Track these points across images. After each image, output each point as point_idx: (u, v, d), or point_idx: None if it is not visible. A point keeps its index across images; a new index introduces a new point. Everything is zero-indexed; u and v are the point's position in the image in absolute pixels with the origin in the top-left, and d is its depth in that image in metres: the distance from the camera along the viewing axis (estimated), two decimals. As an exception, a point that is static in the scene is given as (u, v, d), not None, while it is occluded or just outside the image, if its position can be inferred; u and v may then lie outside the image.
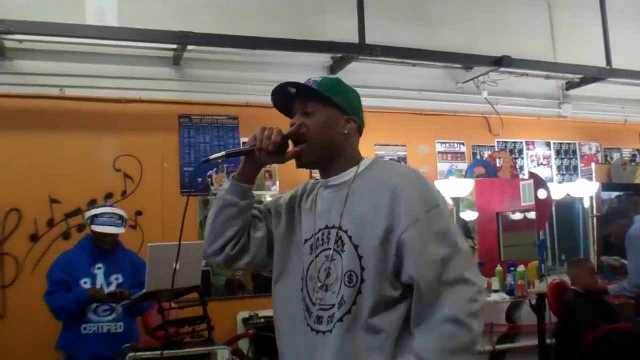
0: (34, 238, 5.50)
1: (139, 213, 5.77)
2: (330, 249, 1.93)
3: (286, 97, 2.03)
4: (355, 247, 1.86)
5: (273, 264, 2.08)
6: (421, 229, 1.81)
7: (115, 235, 4.51)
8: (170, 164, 5.97)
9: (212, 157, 2.02)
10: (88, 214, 4.51)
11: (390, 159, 6.69)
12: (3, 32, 5.17)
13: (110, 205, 4.78)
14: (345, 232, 1.90)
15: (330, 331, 1.85)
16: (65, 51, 5.66)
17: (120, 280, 4.42)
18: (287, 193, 2.20)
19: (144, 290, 4.16)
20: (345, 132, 1.98)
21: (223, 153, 2.01)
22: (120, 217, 4.53)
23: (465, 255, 1.85)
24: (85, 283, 4.32)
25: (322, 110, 1.97)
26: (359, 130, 2.05)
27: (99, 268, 4.40)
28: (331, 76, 1.89)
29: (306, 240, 2.01)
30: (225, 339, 5.08)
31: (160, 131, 5.98)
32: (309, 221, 2.03)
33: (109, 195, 5.68)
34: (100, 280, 4.37)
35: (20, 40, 5.46)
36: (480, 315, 1.78)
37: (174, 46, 5.79)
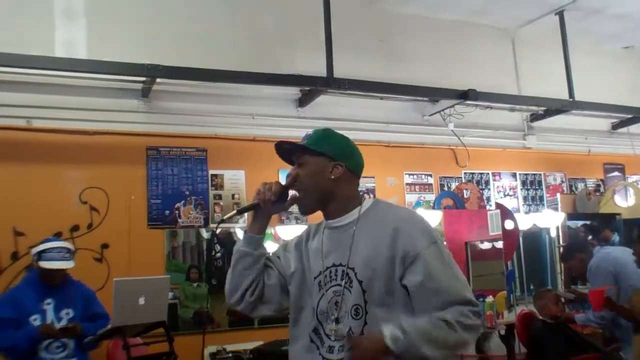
0: (-3, 271, 5.41)
1: (105, 246, 5.71)
2: (339, 285, 2.14)
3: (286, 150, 2.28)
4: (360, 282, 2.08)
5: (290, 306, 2.30)
6: (430, 254, 2.04)
7: (64, 270, 4.36)
8: (137, 197, 5.93)
9: (226, 217, 2.32)
10: (35, 250, 4.31)
11: (361, 192, 6.72)
12: (-29, 63, 5.14)
13: (56, 239, 4.63)
14: (352, 269, 2.11)
15: None
16: (34, 83, 5.62)
17: (72, 314, 4.28)
18: (292, 239, 2.41)
19: (109, 326, 4.10)
20: (332, 177, 2.18)
21: (235, 212, 2.33)
22: (69, 250, 4.37)
23: (464, 282, 2.09)
24: (35, 320, 4.17)
25: (311, 160, 2.20)
26: (351, 173, 2.24)
27: (49, 303, 4.24)
28: (322, 128, 2.10)
29: (315, 278, 2.22)
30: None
31: (128, 163, 5.94)
32: (317, 260, 2.23)
33: (75, 228, 5.62)
34: (50, 316, 4.23)
35: (-14, 72, 5.42)
36: (473, 331, 2.02)
37: (143, 79, 5.79)
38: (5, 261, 5.43)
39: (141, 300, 4.14)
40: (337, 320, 2.10)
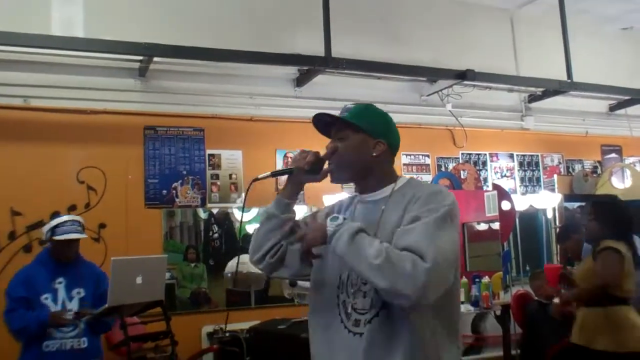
0: (-5, 249, 5.43)
1: (102, 226, 5.72)
2: None
3: (325, 122, 2.27)
4: None
5: (311, 275, 2.31)
6: (431, 211, 2.00)
7: (77, 243, 4.36)
8: (135, 176, 5.93)
9: (260, 176, 2.31)
10: (47, 227, 4.31)
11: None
12: (-35, 42, 5.11)
13: (68, 215, 4.66)
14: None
15: (361, 334, 2.05)
16: (31, 61, 5.60)
17: (83, 294, 4.30)
18: (324, 208, 2.48)
19: (106, 305, 4.11)
20: (374, 154, 2.19)
21: (269, 173, 2.32)
22: (80, 223, 4.38)
23: (441, 249, 1.93)
24: (47, 299, 4.17)
25: (353, 136, 2.20)
26: (390, 151, 2.24)
27: (60, 282, 4.25)
28: (363, 103, 2.13)
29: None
30: (190, 354, 5.06)
31: (125, 143, 5.94)
32: None
33: (72, 207, 5.62)
34: (62, 295, 4.24)
35: (-17, 51, 5.40)
36: (406, 277, 1.85)
37: (140, 58, 5.77)
38: (3, 241, 5.45)
39: (138, 280, 4.13)
40: (364, 295, 2.08)
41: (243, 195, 6.28)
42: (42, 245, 5.19)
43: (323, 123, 2.28)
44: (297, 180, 2.31)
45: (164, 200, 6.01)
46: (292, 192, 2.34)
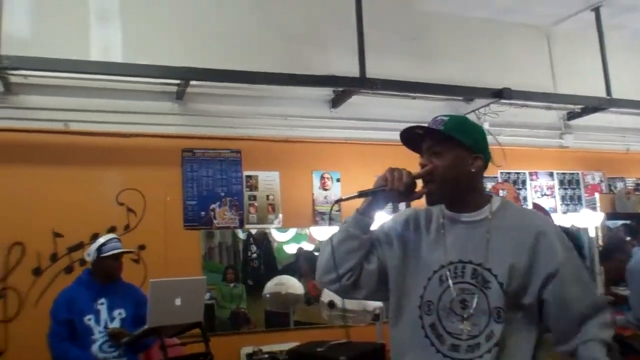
0: (37, 272, 5.50)
1: (142, 247, 5.77)
2: (466, 282, 2.03)
3: (414, 135, 2.14)
4: (500, 284, 1.98)
5: (390, 294, 2.18)
6: (570, 267, 2.01)
7: (121, 260, 4.49)
8: (173, 198, 5.99)
9: (344, 197, 2.17)
10: (92, 247, 4.43)
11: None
12: (9, 68, 5.24)
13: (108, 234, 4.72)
14: (489, 270, 2.00)
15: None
16: (70, 86, 5.71)
17: (124, 314, 4.37)
18: (391, 219, 2.28)
19: (145, 327, 4.15)
20: (473, 170, 2.07)
21: (355, 193, 2.13)
22: (119, 239, 4.55)
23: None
24: (90, 319, 4.26)
25: (450, 151, 2.06)
26: (484, 166, 2.12)
27: (102, 303, 4.34)
28: (459, 115, 2.00)
29: (435, 271, 2.08)
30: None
31: (164, 165, 6.01)
32: (437, 252, 2.10)
33: (111, 229, 5.66)
34: (104, 315, 4.32)
35: (25, 76, 5.52)
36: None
37: (178, 81, 5.84)
38: (45, 262, 5.53)
39: (177, 301, 4.17)
40: (463, 319, 2.00)
41: (280, 216, 6.29)
42: (83, 267, 5.28)
43: (411, 137, 2.15)
44: (385, 200, 2.15)
45: (202, 221, 6.04)
46: (375, 212, 2.18)
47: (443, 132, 2.06)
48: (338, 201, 2.22)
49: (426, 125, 2.11)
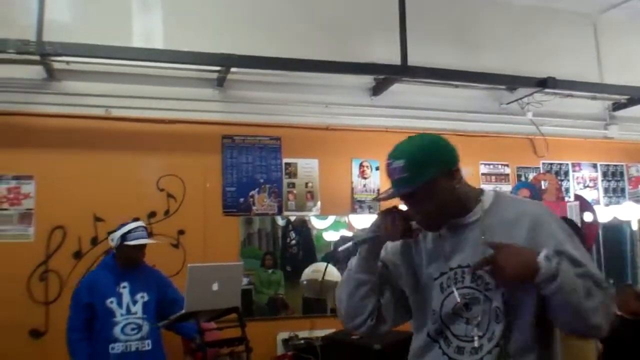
0: (78, 255, 5.58)
1: (181, 232, 5.82)
2: (467, 287, 2.03)
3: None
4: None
5: (413, 313, 2.21)
6: (571, 247, 1.94)
7: (144, 249, 4.55)
8: (212, 185, 6.02)
9: (340, 249, 2.18)
10: (117, 234, 4.49)
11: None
12: (52, 54, 5.31)
13: (133, 220, 4.76)
14: (487, 270, 1.95)
15: None
16: (112, 72, 5.76)
17: (146, 298, 4.44)
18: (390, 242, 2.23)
19: (182, 311, 4.19)
20: (457, 185, 2.02)
21: (350, 244, 2.15)
22: (146, 228, 4.62)
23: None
24: (112, 302, 4.34)
25: (430, 189, 1.97)
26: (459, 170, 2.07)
27: (124, 287, 4.41)
28: (406, 149, 1.85)
29: (435, 279, 2.09)
30: (264, 361, 5.09)
31: (204, 152, 6.03)
32: (437, 261, 2.10)
33: (152, 214, 5.74)
34: (126, 299, 4.39)
35: (68, 62, 5.59)
36: (608, 315, 1.94)
37: (218, 68, 5.86)
38: (86, 246, 5.60)
39: (215, 286, 4.19)
40: (467, 322, 2.01)
41: (319, 204, 6.29)
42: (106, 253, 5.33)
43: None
44: (382, 244, 2.17)
45: (241, 208, 6.06)
46: (377, 255, 2.18)
47: (411, 189, 1.98)
48: (339, 251, 2.21)
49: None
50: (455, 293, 2.03)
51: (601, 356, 5.79)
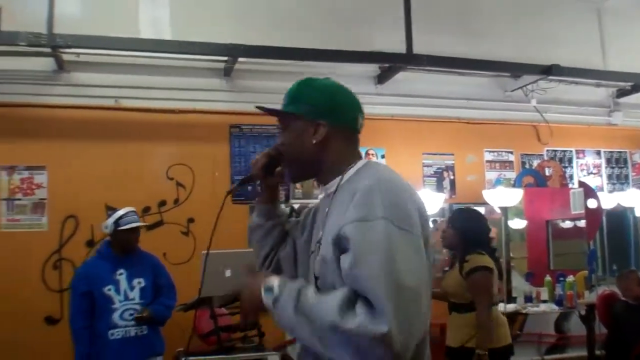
0: (91, 244, 5.68)
1: (191, 220, 5.91)
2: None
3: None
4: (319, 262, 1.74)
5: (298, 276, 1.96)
6: (365, 231, 1.58)
7: (139, 232, 4.60)
8: (221, 173, 6.09)
9: (231, 188, 2.09)
10: (109, 221, 4.54)
11: (438, 168, 6.72)
12: (61, 46, 5.39)
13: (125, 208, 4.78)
14: (319, 246, 1.76)
15: None
16: (121, 63, 5.84)
17: (143, 283, 4.49)
18: (307, 209, 2.10)
19: (197, 297, 4.27)
20: (314, 141, 1.82)
21: (236, 184, 2.17)
22: (136, 212, 4.67)
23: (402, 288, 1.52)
24: (110, 289, 4.39)
25: (290, 125, 1.88)
26: (341, 129, 1.85)
27: (121, 274, 4.45)
28: (301, 80, 1.96)
29: (312, 253, 1.86)
30: (276, 344, 5.16)
31: (212, 141, 6.12)
32: (315, 232, 1.89)
33: (162, 203, 5.83)
34: (123, 285, 4.44)
35: (77, 54, 5.67)
36: (367, 342, 1.48)
37: (225, 58, 5.93)
38: (98, 235, 5.67)
39: (228, 272, 4.27)
40: None
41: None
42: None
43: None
44: (266, 184, 2.06)
45: (250, 196, 6.13)
46: (269, 196, 2.10)
47: (274, 110, 1.91)
48: (228, 193, 2.15)
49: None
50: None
51: (605, 340, 5.89)
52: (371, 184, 1.65)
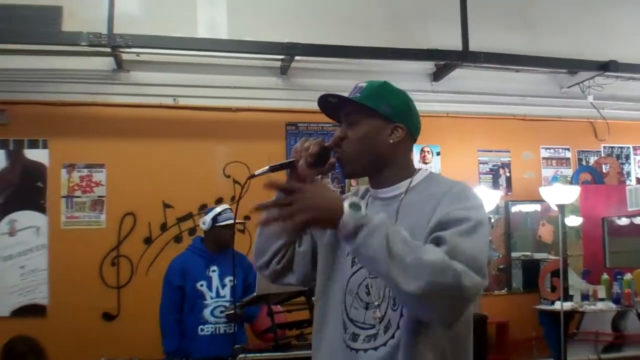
0: (148, 241, 5.80)
1: (247, 218, 5.94)
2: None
3: (335, 105, 1.94)
4: None
5: (317, 276, 1.98)
6: (473, 214, 1.68)
7: (234, 230, 4.75)
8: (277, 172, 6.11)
9: (257, 172, 1.99)
10: (208, 217, 4.62)
11: (494, 165, 6.67)
12: (121, 46, 5.48)
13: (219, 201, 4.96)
14: None
15: (365, 351, 1.75)
16: (179, 63, 5.93)
17: (234, 281, 4.57)
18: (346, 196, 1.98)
19: (254, 294, 4.31)
20: (391, 141, 1.85)
21: (267, 168, 1.96)
22: (231, 210, 4.76)
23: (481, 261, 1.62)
24: (202, 285, 4.48)
25: (365, 121, 1.86)
26: (410, 137, 1.90)
27: (214, 271, 4.55)
28: (377, 80, 1.78)
29: (349, 253, 1.84)
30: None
31: (268, 139, 6.16)
32: None
33: (219, 200, 5.87)
34: (215, 282, 4.53)
35: (137, 53, 5.77)
36: (464, 290, 1.55)
37: (282, 57, 5.97)
38: (156, 231, 5.80)
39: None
40: (367, 307, 1.77)
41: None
42: (191, 236, 5.52)
43: (331, 105, 1.94)
44: (300, 173, 1.92)
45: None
46: None
47: (356, 101, 1.86)
48: (251, 177, 2.00)
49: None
50: (362, 270, 1.81)
51: None
52: (460, 187, 1.78)
